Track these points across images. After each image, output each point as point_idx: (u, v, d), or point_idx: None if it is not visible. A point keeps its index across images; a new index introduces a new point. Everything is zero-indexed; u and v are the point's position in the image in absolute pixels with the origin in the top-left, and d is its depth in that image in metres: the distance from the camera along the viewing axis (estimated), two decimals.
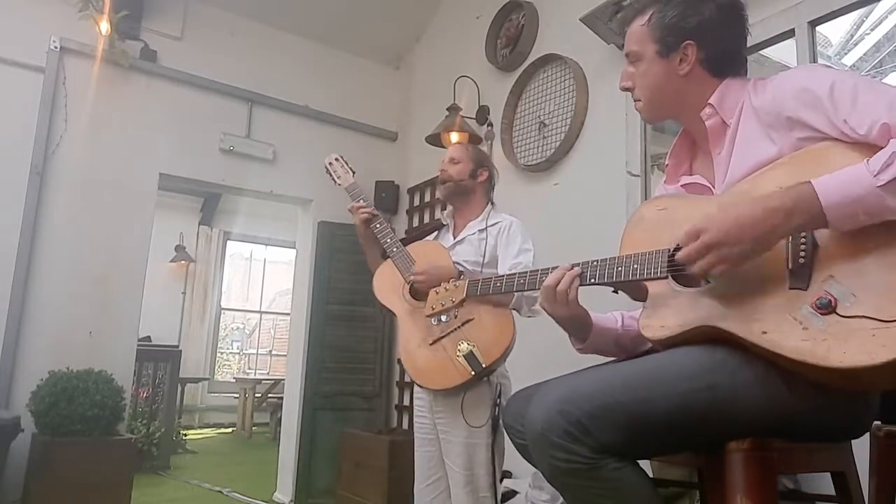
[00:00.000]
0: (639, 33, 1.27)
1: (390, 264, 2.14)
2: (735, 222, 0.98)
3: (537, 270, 1.35)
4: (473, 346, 1.88)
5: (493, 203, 2.29)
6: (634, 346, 1.37)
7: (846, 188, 0.92)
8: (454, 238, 2.25)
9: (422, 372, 1.98)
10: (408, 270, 2.06)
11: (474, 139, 3.56)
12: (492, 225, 2.18)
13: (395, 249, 2.13)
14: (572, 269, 1.25)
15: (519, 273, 1.45)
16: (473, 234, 2.20)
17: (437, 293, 1.61)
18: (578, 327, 1.35)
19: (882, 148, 0.95)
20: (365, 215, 2.21)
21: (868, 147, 0.99)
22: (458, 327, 1.93)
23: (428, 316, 1.78)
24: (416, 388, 2.20)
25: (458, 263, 2.10)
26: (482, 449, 1.93)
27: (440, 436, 2.06)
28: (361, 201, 2.25)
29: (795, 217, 0.95)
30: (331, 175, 2.40)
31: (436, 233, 2.36)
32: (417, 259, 2.07)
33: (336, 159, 2.41)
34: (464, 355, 1.87)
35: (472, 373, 1.85)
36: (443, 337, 1.94)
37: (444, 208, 2.44)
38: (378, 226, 2.20)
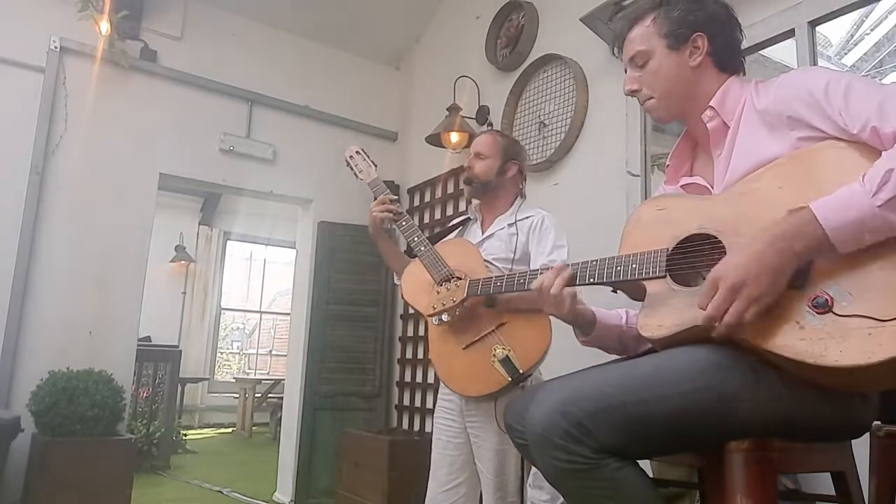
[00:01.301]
0: (643, 34, 1.28)
1: (418, 264, 2.01)
2: (747, 260, 0.97)
3: (537, 269, 1.36)
4: (509, 350, 1.77)
5: (523, 196, 2.18)
6: (637, 345, 1.37)
7: (845, 211, 0.92)
8: (482, 233, 2.15)
9: (456, 378, 1.88)
10: (437, 270, 1.94)
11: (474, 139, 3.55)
12: (522, 219, 2.07)
13: (422, 248, 1.99)
14: (563, 270, 1.26)
15: (519, 273, 1.45)
16: (503, 228, 2.09)
17: (437, 293, 1.60)
18: (581, 323, 1.36)
19: (875, 149, 0.97)
20: (389, 214, 2.09)
21: (864, 147, 0.99)
22: (493, 331, 1.81)
23: (429, 316, 1.77)
24: (442, 390, 2.11)
25: (489, 262, 2.02)
26: (513, 454, 1.88)
27: (472, 438, 1.98)
28: (386, 197, 2.13)
29: (798, 242, 0.95)
30: (352, 169, 2.26)
31: (461, 228, 2.26)
32: (447, 259, 1.96)
33: (357, 152, 2.27)
34: (499, 360, 1.76)
35: (509, 379, 1.74)
36: (476, 341, 1.83)
37: (445, 210, 2.38)
38: (404, 223, 2.07)
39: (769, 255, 0.96)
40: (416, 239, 2.02)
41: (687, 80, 1.25)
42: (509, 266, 2.00)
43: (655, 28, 1.27)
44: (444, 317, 1.83)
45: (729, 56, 1.26)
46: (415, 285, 2.02)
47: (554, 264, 1.87)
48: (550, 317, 1.69)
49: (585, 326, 1.37)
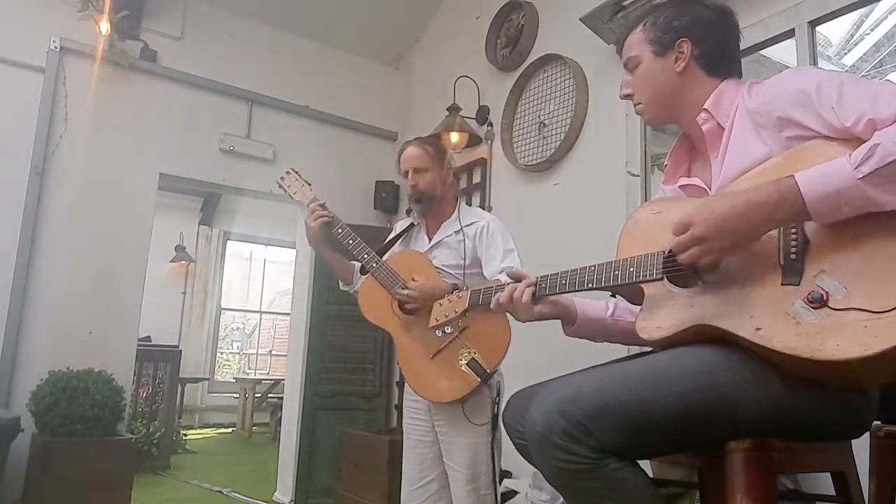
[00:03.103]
0: (635, 40, 1.31)
1: (373, 282, 2.07)
2: (721, 216, 1.00)
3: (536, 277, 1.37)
4: (474, 352, 1.88)
5: (458, 197, 2.25)
6: (625, 338, 1.39)
7: (827, 181, 0.94)
8: (429, 241, 2.18)
9: (429, 388, 1.97)
10: (393, 285, 2.00)
11: (474, 139, 3.56)
12: (467, 225, 2.12)
13: (374, 265, 2.05)
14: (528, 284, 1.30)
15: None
16: (450, 235, 2.14)
17: (440, 305, 1.63)
18: (562, 317, 1.39)
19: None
20: (324, 218, 2.09)
21: (854, 143, 0.99)
22: (456, 336, 1.92)
23: (432, 328, 1.79)
24: (408, 390, 2.16)
25: (440, 269, 2.08)
26: (483, 447, 1.93)
27: (440, 437, 2.04)
28: (315, 205, 2.12)
29: (779, 210, 0.97)
30: (285, 191, 2.22)
31: (406, 234, 2.28)
32: (400, 272, 2.02)
33: (288, 173, 2.23)
34: (467, 363, 1.87)
35: (479, 380, 1.85)
36: (443, 348, 1.93)
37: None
38: (351, 241, 2.08)
39: (744, 217, 0.99)
40: (365, 256, 2.07)
41: (673, 85, 1.26)
42: (461, 272, 2.07)
43: (645, 34, 1.29)
44: (448, 328, 1.89)
45: (717, 60, 1.25)
46: (374, 305, 2.09)
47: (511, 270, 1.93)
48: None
49: (568, 318, 1.39)
